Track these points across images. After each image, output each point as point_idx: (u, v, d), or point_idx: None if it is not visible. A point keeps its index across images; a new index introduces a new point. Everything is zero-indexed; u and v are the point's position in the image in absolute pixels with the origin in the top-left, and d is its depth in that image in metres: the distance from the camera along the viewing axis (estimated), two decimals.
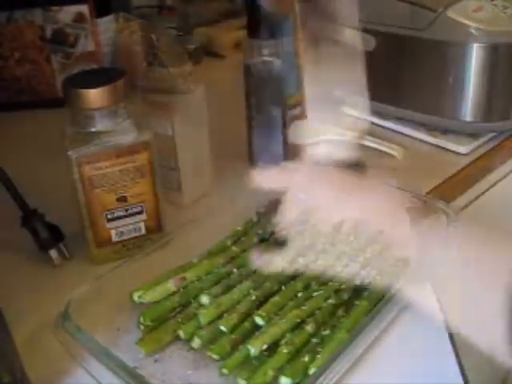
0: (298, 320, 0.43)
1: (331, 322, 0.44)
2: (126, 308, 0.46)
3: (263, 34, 0.61)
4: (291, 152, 0.68)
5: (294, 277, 0.47)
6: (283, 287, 0.47)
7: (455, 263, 0.41)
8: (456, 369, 0.42)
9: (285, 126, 0.66)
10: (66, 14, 0.81)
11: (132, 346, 0.44)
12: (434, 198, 0.54)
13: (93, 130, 0.50)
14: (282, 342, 0.42)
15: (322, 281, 0.47)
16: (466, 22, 0.64)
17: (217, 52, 1.04)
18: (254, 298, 0.45)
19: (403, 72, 0.70)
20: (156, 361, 0.43)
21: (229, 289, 0.46)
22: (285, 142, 0.66)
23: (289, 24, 0.63)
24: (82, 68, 0.83)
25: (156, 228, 0.55)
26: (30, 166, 0.70)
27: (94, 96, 0.48)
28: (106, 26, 0.86)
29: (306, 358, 0.41)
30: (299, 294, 0.46)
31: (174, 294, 0.46)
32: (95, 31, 0.83)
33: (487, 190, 0.73)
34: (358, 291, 0.47)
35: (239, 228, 0.54)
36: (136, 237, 0.54)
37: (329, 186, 0.46)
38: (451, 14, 0.64)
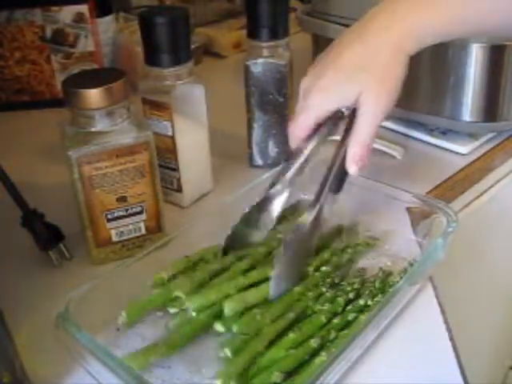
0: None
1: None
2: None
3: (263, 34, 0.61)
4: (291, 152, 0.68)
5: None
6: None
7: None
8: (456, 369, 0.42)
9: (285, 125, 0.66)
10: (66, 13, 0.81)
11: (131, 345, 0.44)
12: (433, 198, 0.54)
13: (93, 130, 0.50)
14: None
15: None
16: None
17: (217, 52, 1.04)
18: None
19: None
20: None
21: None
22: (285, 141, 0.67)
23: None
24: (81, 68, 0.83)
25: (156, 228, 0.55)
26: (30, 166, 0.71)
27: (94, 96, 0.48)
28: (106, 26, 0.86)
29: None
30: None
31: None
32: (95, 31, 0.83)
33: (487, 190, 0.73)
34: None
35: None
36: (136, 237, 0.54)
37: None
38: None
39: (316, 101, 0.49)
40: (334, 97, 0.48)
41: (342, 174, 0.50)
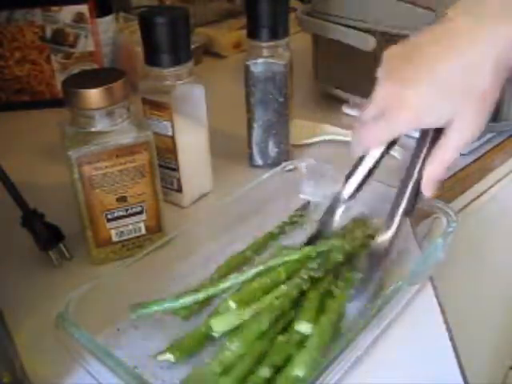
0: None
1: None
2: (126, 308, 0.46)
3: (263, 34, 0.61)
4: (291, 152, 0.68)
5: None
6: None
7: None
8: (456, 369, 0.42)
9: (285, 126, 0.66)
10: (66, 13, 0.81)
11: (132, 345, 0.44)
12: (433, 198, 0.54)
13: (93, 130, 0.50)
14: None
15: None
16: None
17: (217, 52, 1.04)
18: None
19: None
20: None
21: None
22: (285, 142, 0.67)
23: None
24: (81, 68, 0.83)
25: (156, 228, 0.55)
26: (29, 166, 0.71)
27: (94, 96, 0.48)
28: (106, 26, 0.86)
29: None
30: None
31: None
32: (95, 31, 0.83)
33: (487, 190, 0.73)
34: None
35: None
36: (136, 237, 0.54)
37: None
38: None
39: (402, 119, 0.44)
40: (423, 118, 0.43)
41: (415, 194, 0.47)
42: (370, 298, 0.47)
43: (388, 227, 0.47)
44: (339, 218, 0.51)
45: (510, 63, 0.41)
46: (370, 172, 0.48)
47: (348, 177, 0.49)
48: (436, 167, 0.44)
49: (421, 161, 0.46)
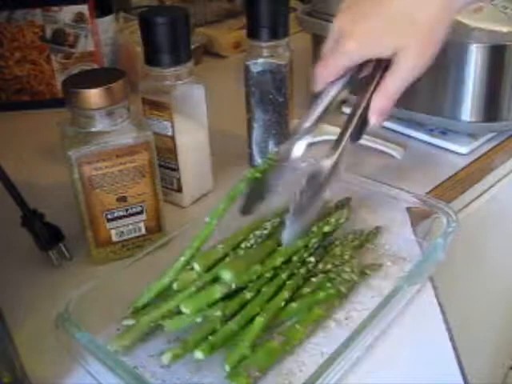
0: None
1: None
2: (126, 308, 0.46)
3: (263, 34, 0.61)
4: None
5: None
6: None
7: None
8: (456, 369, 0.42)
9: (285, 126, 0.66)
10: (66, 14, 0.81)
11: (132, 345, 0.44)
12: (433, 198, 0.54)
13: (93, 130, 0.50)
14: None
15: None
16: (466, 22, 0.64)
17: (217, 52, 1.04)
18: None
19: None
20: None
21: None
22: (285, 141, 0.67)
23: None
24: (81, 68, 0.83)
25: (156, 228, 0.55)
26: (30, 166, 0.71)
27: (94, 96, 0.48)
28: (106, 26, 0.86)
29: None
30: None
31: None
32: (95, 31, 0.83)
33: (487, 190, 0.73)
34: None
35: None
36: (136, 237, 0.54)
37: None
38: None
39: (351, 47, 0.46)
40: (372, 46, 0.46)
41: (363, 123, 0.48)
42: (307, 223, 0.48)
43: (333, 152, 0.48)
44: (299, 151, 0.50)
45: (454, 3, 0.44)
46: (327, 109, 0.49)
47: (304, 117, 0.50)
48: (382, 96, 0.47)
49: (370, 91, 0.48)
